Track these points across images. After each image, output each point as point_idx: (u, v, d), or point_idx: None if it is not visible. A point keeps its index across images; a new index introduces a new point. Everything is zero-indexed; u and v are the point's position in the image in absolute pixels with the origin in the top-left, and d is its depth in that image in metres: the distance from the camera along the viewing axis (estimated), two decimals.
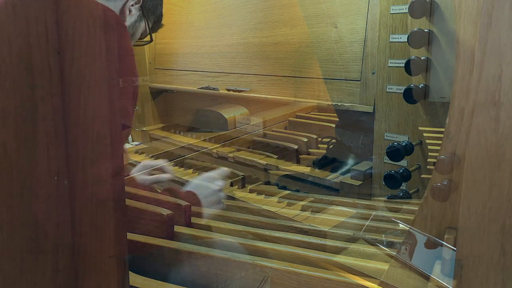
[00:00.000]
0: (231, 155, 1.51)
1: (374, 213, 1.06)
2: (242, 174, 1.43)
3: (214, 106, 1.74)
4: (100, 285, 0.60)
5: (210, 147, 1.59)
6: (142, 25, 1.25)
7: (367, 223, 1.00)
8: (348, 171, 1.29)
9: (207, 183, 1.18)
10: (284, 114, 1.61)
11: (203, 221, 1.07)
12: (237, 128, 1.64)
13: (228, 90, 1.65)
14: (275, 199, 1.26)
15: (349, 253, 0.86)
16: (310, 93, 1.40)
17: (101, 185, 0.58)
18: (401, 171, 1.08)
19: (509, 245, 0.58)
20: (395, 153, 1.06)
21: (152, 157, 1.67)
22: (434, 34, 1.02)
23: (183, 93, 1.89)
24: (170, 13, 1.89)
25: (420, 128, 1.10)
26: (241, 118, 1.65)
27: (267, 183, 1.42)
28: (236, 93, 1.61)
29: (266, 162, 1.43)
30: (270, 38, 1.52)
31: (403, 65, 1.07)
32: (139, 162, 1.29)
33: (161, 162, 1.32)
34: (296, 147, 1.44)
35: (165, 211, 0.96)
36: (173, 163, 1.60)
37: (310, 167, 1.36)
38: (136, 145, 1.88)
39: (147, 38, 1.29)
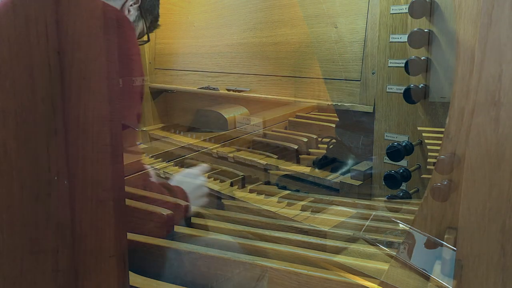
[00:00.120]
0: (231, 155, 1.51)
1: (374, 213, 1.06)
2: (242, 174, 1.43)
3: (214, 106, 1.74)
4: (100, 285, 0.60)
5: (210, 147, 1.59)
6: (140, 25, 1.26)
7: (367, 223, 1.00)
8: (348, 171, 1.28)
9: (191, 179, 1.19)
10: (284, 114, 1.61)
11: (203, 221, 1.08)
12: (237, 128, 1.64)
13: (228, 90, 1.65)
14: (275, 199, 1.26)
15: (349, 253, 0.86)
16: (310, 93, 1.40)
17: (101, 185, 0.58)
18: (401, 171, 1.08)
19: (509, 245, 0.58)
20: (395, 153, 1.06)
21: (152, 157, 1.67)
22: (434, 34, 1.02)
23: (183, 93, 1.89)
24: (170, 13, 1.89)
25: (420, 128, 1.10)
26: (241, 118, 1.65)
27: (267, 183, 1.42)
28: (236, 93, 1.61)
29: (266, 162, 1.42)
30: (270, 38, 1.52)
31: (403, 65, 1.07)
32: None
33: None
34: (296, 147, 1.44)
35: (165, 211, 0.96)
36: (173, 163, 1.60)
37: (310, 167, 1.36)
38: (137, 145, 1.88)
39: (145, 38, 1.30)
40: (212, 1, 1.73)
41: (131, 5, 1.18)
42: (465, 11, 0.67)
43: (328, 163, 1.35)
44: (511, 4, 0.54)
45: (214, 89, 1.70)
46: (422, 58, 1.03)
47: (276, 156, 1.46)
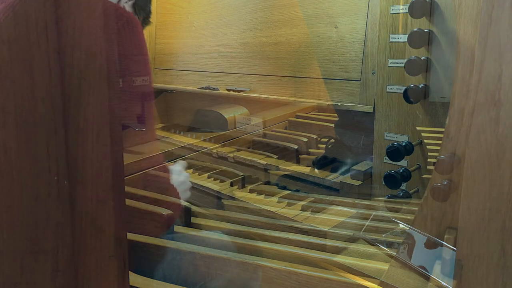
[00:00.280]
0: (231, 155, 1.51)
1: (374, 213, 1.06)
2: (242, 174, 1.43)
3: (214, 106, 1.74)
4: (100, 285, 0.60)
5: (210, 147, 1.59)
6: None
7: (367, 223, 1.00)
8: (347, 171, 1.28)
9: (176, 175, 1.20)
10: (284, 114, 1.61)
11: (203, 221, 1.08)
12: (237, 128, 1.64)
13: (228, 90, 1.65)
14: (275, 199, 1.26)
15: (349, 253, 0.86)
16: (310, 93, 1.40)
17: (101, 185, 0.58)
18: (401, 171, 1.08)
19: (509, 245, 0.58)
20: (395, 153, 1.06)
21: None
22: (434, 34, 1.02)
23: (183, 93, 1.89)
24: (170, 13, 1.89)
25: (420, 128, 1.10)
26: (241, 118, 1.65)
27: (267, 183, 1.42)
28: (236, 93, 1.61)
29: (266, 162, 1.42)
30: (270, 38, 1.52)
31: (403, 65, 1.07)
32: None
33: None
34: (296, 147, 1.44)
35: (165, 211, 0.96)
36: (172, 163, 1.60)
37: (310, 167, 1.36)
38: None
39: None
40: (212, 1, 1.73)
41: (126, 2, 1.19)
42: (465, 11, 0.67)
43: (327, 163, 1.35)
44: (511, 4, 0.54)
45: (214, 89, 1.70)
46: (422, 58, 1.03)
47: (276, 156, 1.46)
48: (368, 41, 1.25)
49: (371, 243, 0.89)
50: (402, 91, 1.07)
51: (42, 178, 0.53)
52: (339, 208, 1.13)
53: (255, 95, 1.56)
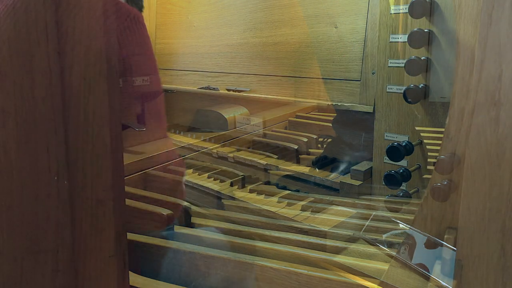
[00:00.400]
0: (231, 155, 1.51)
1: (374, 213, 1.06)
2: (242, 174, 1.43)
3: (214, 106, 1.74)
4: (100, 285, 0.60)
5: (210, 147, 1.59)
6: None
7: (367, 223, 1.00)
8: (348, 171, 1.28)
9: None
10: (284, 114, 1.61)
11: (203, 221, 1.08)
12: (237, 128, 1.64)
13: (228, 90, 1.65)
14: (275, 199, 1.26)
15: (349, 253, 0.86)
16: (310, 93, 1.40)
17: (101, 185, 0.58)
18: (401, 171, 1.08)
19: (509, 245, 0.58)
20: (395, 153, 1.06)
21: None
22: (434, 34, 1.02)
23: (183, 93, 1.89)
24: (170, 13, 1.89)
25: (420, 128, 1.10)
26: (241, 118, 1.65)
27: (267, 183, 1.42)
28: (236, 93, 1.61)
29: (266, 162, 1.42)
30: (270, 38, 1.52)
31: (403, 65, 1.07)
32: None
33: None
34: (296, 147, 1.44)
35: (165, 211, 0.96)
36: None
37: (309, 167, 1.36)
38: None
39: None
40: (212, 1, 1.73)
41: None
42: (465, 11, 0.67)
43: (327, 163, 1.35)
44: (511, 4, 0.54)
45: (214, 89, 1.70)
46: (422, 58, 1.03)
47: (276, 156, 1.46)
48: (368, 41, 1.25)
49: (371, 243, 0.89)
50: (402, 91, 1.07)
51: (42, 178, 0.53)
52: (339, 208, 1.13)
53: (255, 95, 1.56)
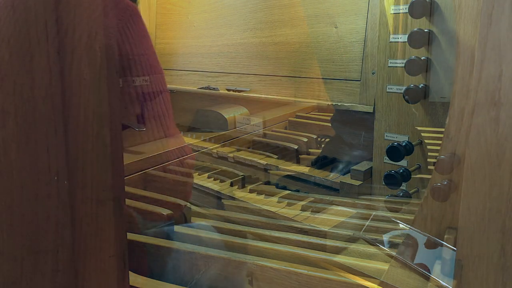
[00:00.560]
0: (231, 155, 1.51)
1: (374, 213, 1.06)
2: (242, 174, 1.43)
3: (214, 106, 1.74)
4: (100, 285, 0.60)
5: (210, 147, 1.59)
6: None
7: (367, 223, 1.00)
8: (348, 171, 1.28)
9: None
10: (284, 114, 1.61)
11: (203, 221, 1.07)
12: (237, 128, 1.64)
13: (228, 90, 1.65)
14: (275, 199, 1.26)
15: (349, 253, 0.86)
16: (310, 93, 1.40)
17: (101, 185, 0.58)
18: (401, 171, 1.08)
19: (509, 245, 0.58)
20: (395, 153, 1.06)
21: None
22: (434, 34, 1.02)
23: (183, 93, 1.89)
24: (170, 13, 1.89)
25: (419, 128, 1.10)
26: (241, 118, 1.65)
27: (267, 183, 1.42)
28: (236, 93, 1.61)
29: (266, 162, 1.42)
30: (270, 38, 1.52)
31: (403, 65, 1.07)
32: None
33: None
34: (296, 147, 1.44)
35: (165, 211, 0.96)
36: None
37: (309, 167, 1.36)
38: None
39: None
40: (212, 1, 1.73)
41: None
42: (465, 11, 0.67)
43: (327, 163, 1.35)
44: (511, 4, 0.54)
45: (214, 89, 1.70)
46: (422, 58, 1.03)
47: (276, 156, 1.46)
48: (368, 41, 1.25)
49: (371, 243, 0.89)
50: (402, 91, 1.07)
51: (42, 178, 0.53)
52: (339, 208, 1.13)
53: (255, 95, 1.56)
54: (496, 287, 0.60)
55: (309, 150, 1.44)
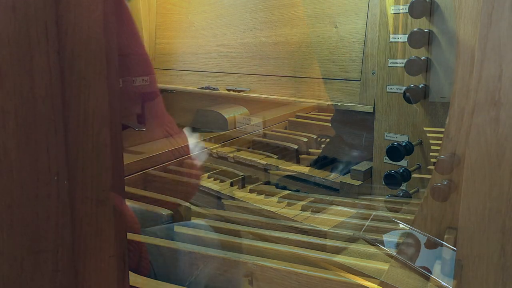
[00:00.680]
0: (231, 155, 1.51)
1: (374, 213, 1.06)
2: (242, 174, 1.43)
3: (214, 106, 1.74)
4: (100, 285, 0.60)
5: (210, 147, 1.59)
6: None
7: (367, 223, 1.00)
8: (348, 171, 1.28)
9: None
10: (284, 114, 1.61)
11: (203, 221, 1.07)
12: (237, 128, 1.64)
13: (228, 90, 1.65)
14: (275, 199, 1.26)
15: (349, 253, 0.86)
16: (310, 93, 1.40)
17: (101, 185, 0.58)
18: (401, 171, 1.08)
19: (509, 245, 0.58)
20: (395, 153, 1.06)
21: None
22: (434, 34, 1.02)
23: (183, 93, 1.89)
24: (170, 13, 1.89)
25: (420, 128, 1.10)
26: (241, 118, 1.65)
27: (267, 183, 1.42)
28: (236, 93, 1.61)
29: (266, 162, 1.42)
30: (270, 38, 1.52)
31: (403, 65, 1.07)
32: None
33: None
34: (296, 147, 1.44)
35: (165, 211, 0.96)
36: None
37: (309, 167, 1.36)
38: None
39: None
40: (212, 1, 1.73)
41: None
42: (465, 11, 0.67)
43: (327, 163, 1.35)
44: (511, 4, 0.54)
45: (214, 89, 1.70)
46: (422, 58, 1.03)
47: (276, 156, 1.46)
48: (368, 41, 1.25)
49: (371, 243, 0.89)
50: (402, 91, 1.07)
51: (42, 178, 0.53)
52: (339, 208, 1.13)
53: (255, 95, 1.56)
54: (496, 287, 0.60)
55: (309, 150, 1.44)
